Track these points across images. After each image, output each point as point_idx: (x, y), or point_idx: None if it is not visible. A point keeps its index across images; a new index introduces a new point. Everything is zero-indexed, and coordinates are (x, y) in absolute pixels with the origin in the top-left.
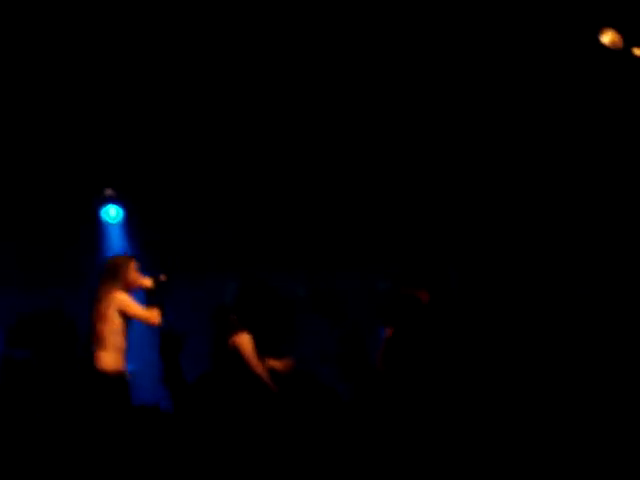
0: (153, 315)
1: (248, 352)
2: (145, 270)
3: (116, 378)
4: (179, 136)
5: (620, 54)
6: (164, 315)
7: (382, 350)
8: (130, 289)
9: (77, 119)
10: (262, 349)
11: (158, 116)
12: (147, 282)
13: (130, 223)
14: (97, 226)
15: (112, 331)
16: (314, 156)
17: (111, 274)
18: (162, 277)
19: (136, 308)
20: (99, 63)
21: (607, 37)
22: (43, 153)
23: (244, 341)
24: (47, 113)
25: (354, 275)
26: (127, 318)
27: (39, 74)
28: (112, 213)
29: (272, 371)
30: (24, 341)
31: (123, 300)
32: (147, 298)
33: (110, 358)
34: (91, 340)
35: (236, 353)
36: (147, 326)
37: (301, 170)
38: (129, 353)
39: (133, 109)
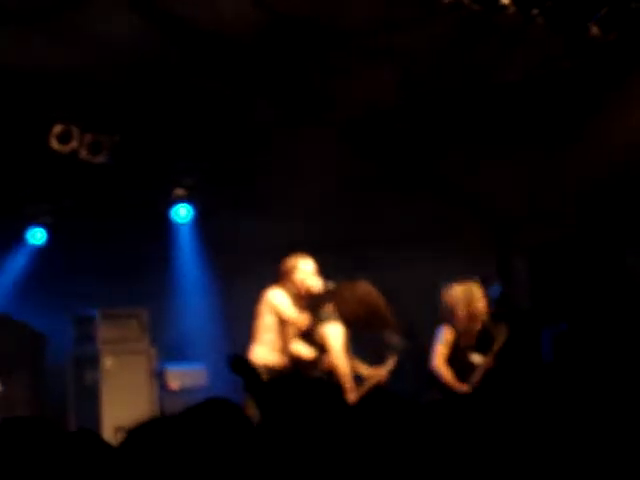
0: (301, 318)
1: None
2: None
3: (263, 371)
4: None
5: None
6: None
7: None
8: (300, 292)
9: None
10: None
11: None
12: (315, 288)
13: (200, 223)
14: (168, 226)
15: (263, 327)
16: None
17: (279, 274)
18: (329, 285)
19: (284, 309)
20: None
21: None
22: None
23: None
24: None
25: None
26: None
27: None
28: (182, 213)
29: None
30: None
31: (273, 299)
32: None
33: (261, 352)
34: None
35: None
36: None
37: None
38: None
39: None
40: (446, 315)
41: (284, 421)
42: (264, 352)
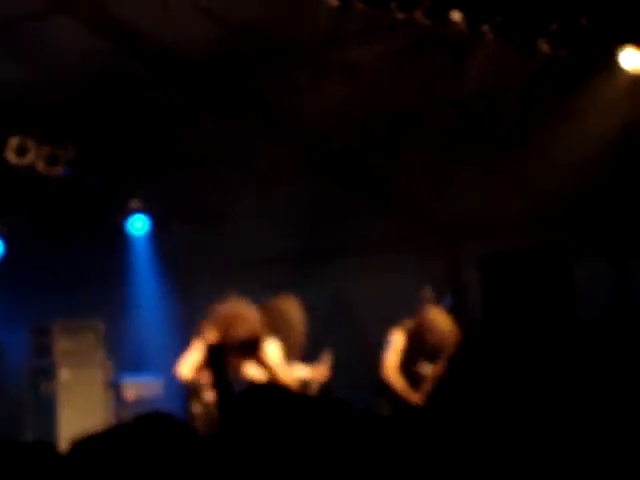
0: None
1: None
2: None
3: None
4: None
5: None
6: None
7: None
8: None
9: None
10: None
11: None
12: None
13: (156, 235)
14: (124, 238)
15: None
16: None
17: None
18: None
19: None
20: None
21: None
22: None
23: (271, 350)
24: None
25: None
26: None
27: None
28: (138, 225)
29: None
30: None
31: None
32: None
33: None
34: None
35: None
36: None
37: None
38: None
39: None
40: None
41: (238, 426)
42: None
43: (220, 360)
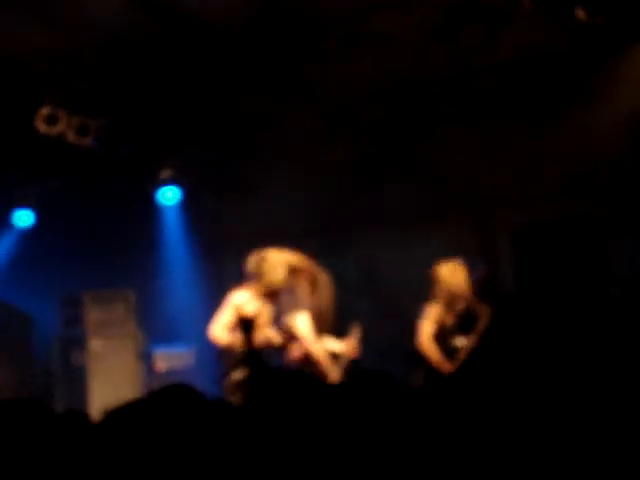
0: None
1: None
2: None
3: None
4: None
5: None
6: None
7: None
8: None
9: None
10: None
11: None
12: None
13: (187, 205)
14: (155, 208)
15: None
16: None
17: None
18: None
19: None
20: None
21: None
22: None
23: (301, 322)
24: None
25: None
26: None
27: None
28: (169, 195)
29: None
30: None
31: (235, 299)
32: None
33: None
34: None
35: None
36: None
37: None
38: None
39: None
40: (432, 293)
41: (269, 409)
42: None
43: (250, 334)
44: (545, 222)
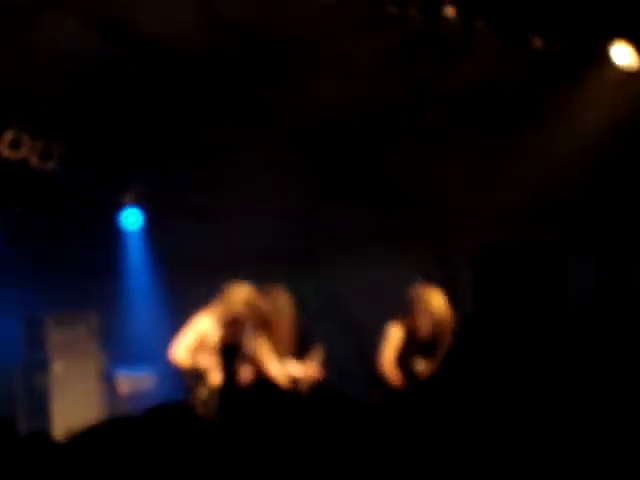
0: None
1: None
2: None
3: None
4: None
5: None
6: None
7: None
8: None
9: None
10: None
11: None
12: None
13: (149, 229)
14: (117, 232)
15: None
16: None
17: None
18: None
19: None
20: None
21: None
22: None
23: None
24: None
25: None
26: None
27: None
28: (132, 219)
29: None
30: None
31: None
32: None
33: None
34: None
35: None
36: None
37: None
38: None
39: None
40: (403, 313)
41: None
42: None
43: (232, 360)
44: (502, 246)
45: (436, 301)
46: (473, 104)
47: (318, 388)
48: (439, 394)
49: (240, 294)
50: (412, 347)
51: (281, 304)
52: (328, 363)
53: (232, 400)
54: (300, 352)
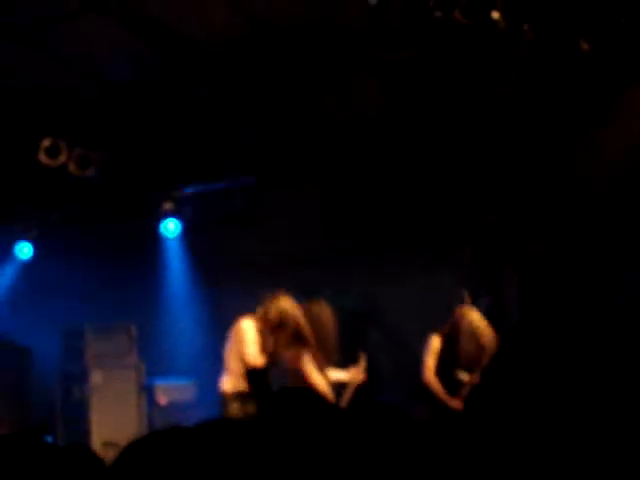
0: (252, 358)
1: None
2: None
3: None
4: None
5: None
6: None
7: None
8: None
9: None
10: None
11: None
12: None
13: (188, 237)
14: (156, 240)
15: (233, 354)
16: None
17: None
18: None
19: (246, 343)
20: None
21: None
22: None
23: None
24: None
25: None
26: None
27: None
28: (170, 227)
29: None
30: None
31: (241, 330)
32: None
33: (230, 381)
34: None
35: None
36: None
37: None
38: None
39: None
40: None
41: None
42: (233, 380)
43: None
44: (549, 253)
45: (480, 321)
46: (519, 111)
47: (362, 397)
48: (488, 411)
49: (280, 304)
50: (454, 359)
51: (322, 313)
52: (370, 371)
53: (270, 408)
54: (343, 360)
